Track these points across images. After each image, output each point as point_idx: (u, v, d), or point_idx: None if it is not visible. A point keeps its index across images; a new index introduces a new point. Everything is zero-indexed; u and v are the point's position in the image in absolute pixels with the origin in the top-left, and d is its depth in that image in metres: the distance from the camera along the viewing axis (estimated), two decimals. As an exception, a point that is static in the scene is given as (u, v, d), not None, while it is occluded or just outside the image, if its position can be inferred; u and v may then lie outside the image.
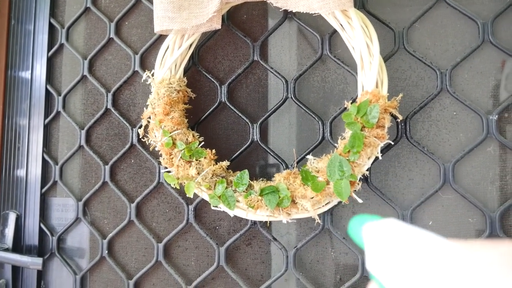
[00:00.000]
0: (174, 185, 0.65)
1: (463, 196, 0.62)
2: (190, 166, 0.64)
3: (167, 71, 0.67)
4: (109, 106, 0.79)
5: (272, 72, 0.71)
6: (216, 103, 0.72)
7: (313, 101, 0.70)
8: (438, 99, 0.64)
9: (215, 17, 0.64)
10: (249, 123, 0.71)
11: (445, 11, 0.65)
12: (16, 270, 0.83)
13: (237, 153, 0.70)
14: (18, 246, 0.83)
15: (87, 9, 0.83)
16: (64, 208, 0.83)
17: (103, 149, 0.80)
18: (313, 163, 0.61)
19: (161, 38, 0.75)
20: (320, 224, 0.66)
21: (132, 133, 0.77)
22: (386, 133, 0.58)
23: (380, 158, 0.59)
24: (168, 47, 0.67)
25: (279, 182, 0.61)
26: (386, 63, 0.64)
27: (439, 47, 0.65)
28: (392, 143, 0.63)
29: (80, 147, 0.81)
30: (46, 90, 0.84)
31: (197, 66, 0.74)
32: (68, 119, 0.82)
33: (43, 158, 0.83)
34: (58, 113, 0.83)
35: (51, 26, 0.85)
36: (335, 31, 0.66)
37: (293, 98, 0.69)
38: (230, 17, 0.73)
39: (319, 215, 0.61)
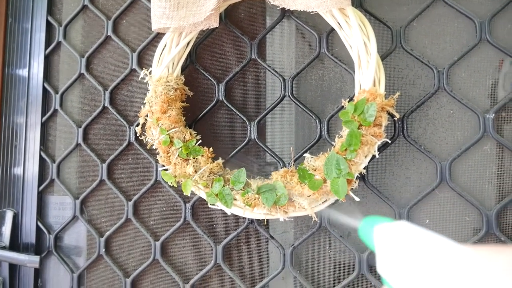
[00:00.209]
0: (172, 183, 0.65)
1: (460, 195, 0.62)
2: (187, 164, 0.64)
3: (164, 69, 0.67)
4: (107, 104, 0.79)
5: (269, 70, 0.71)
6: (214, 101, 0.72)
7: (311, 100, 0.70)
8: (435, 98, 0.64)
9: (212, 15, 0.64)
10: (247, 121, 0.71)
11: (442, 10, 0.65)
12: (13, 268, 0.82)
13: (234, 151, 0.70)
14: (15, 244, 0.83)
15: (84, 7, 0.83)
16: (61, 206, 0.82)
17: (101, 147, 0.80)
18: (310, 161, 0.61)
19: (159, 36, 0.75)
20: (317, 222, 0.66)
21: (130, 131, 0.77)
22: (383, 131, 0.58)
23: (377, 156, 0.59)
24: (165, 45, 0.67)
25: (276, 180, 0.61)
26: (384, 61, 0.64)
27: (437, 46, 0.65)
28: (389, 141, 0.63)
29: (78, 145, 0.81)
30: (44, 88, 0.84)
31: (195, 64, 0.74)
32: (66, 117, 0.82)
33: (40, 156, 0.83)
34: (55, 111, 0.83)
35: (48, 24, 0.85)
36: (332, 29, 0.66)
37: (291, 97, 0.69)
38: (228, 15, 0.73)
39: (316, 213, 0.61)
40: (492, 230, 0.60)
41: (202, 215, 0.73)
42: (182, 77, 0.69)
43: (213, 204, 0.64)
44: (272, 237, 0.68)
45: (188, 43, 0.69)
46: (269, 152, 0.69)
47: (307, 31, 0.70)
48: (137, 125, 0.71)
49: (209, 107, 0.72)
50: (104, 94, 0.79)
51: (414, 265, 0.24)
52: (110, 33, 0.80)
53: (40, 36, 0.85)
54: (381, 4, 0.67)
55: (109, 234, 0.78)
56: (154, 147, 0.67)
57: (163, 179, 0.67)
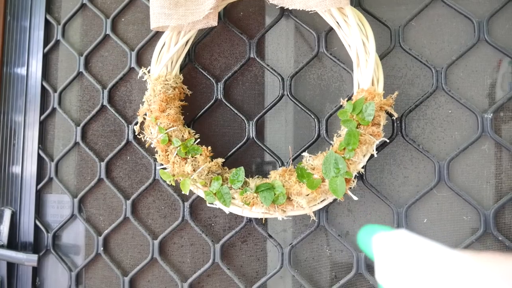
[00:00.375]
0: (170, 182, 0.65)
1: (458, 194, 0.62)
2: (185, 163, 0.64)
3: (163, 68, 0.67)
4: (105, 102, 0.79)
5: (268, 70, 0.71)
6: (212, 100, 0.72)
7: (309, 99, 0.70)
8: (433, 97, 0.65)
9: (211, 14, 0.64)
10: (245, 120, 0.71)
11: (441, 10, 0.65)
12: (11, 266, 0.82)
13: (233, 150, 0.71)
14: (13, 243, 0.83)
15: (83, 5, 0.83)
16: (59, 205, 0.82)
17: (99, 145, 0.80)
18: (308, 160, 0.61)
19: (158, 34, 0.75)
20: (316, 221, 0.66)
21: (128, 130, 0.77)
22: (381, 130, 0.58)
23: (376, 155, 0.59)
24: (164, 44, 0.67)
25: (274, 179, 0.61)
26: (382, 61, 0.64)
27: (435, 46, 0.65)
28: (388, 140, 0.63)
29: (76, 143, 0.81)
30: (42, 86, 0.83)
31: (194, 63, 0.74)
32: (64, 116, 0.81)
33: (38, 154, 0.83)
34: (53, 109, 0.83)
35: (47, 22, 0.85)
36: (331, 28, 0.66)
37: (289, 96, 0.69)
38: (227, 14, 0.73)
39: (314, 212, 0.61)
40: (489, 229, 0.60)
41: (201, 214, 0.73)
42: (181, 76, 0.69)
43: (212, 203, 0.64)
44: (270, 236, 0.68)
45: (187, 42, 0.69)
46: (268, 151, 0.69)
47: (306, 30, 0.70)
48: (136, 124, 0.71)
49: (207, 106, 0.72)
50: (103, 92, 0.79)
51: (413, 273, 0.24)
52: (108, 31, 0.80)
53: (38, 34, 0.85)
54: (380, 3, 0.67)
55: (107, 232, 0.78)
56: (152, 145, 0.67)
57: (161, 177, 0.67)
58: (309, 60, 0.69)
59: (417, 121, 0.65)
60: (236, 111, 0.71)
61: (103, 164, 0.78)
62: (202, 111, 0.72)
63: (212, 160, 0.65)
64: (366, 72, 0.59)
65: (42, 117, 0.83)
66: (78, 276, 0.80)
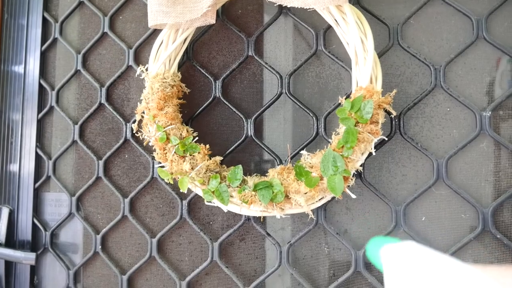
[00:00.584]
0: (168, 180, 0.65)
1: (456, 192, 0.62)
2: (184, 161, 0.63)
3: (161, 65, 0.67)
4: (103, 101, 0.78)
5: (266, 68, 0.71)
6: (210, 98, 0.72)
7: (308, 97, 0.70)
8: (432, 95, 0.64)
9: (209, 11, 0.64)
10: (243, 119, 0.71)
11: (439, 7, 0.65)
12: (9, 265, 0.82)
13: (231, 148, 0.70)
14: (11, 241, 0.82)
15: (80, 3, 0.82)
16: (57, 203, 0.82)
17: (97, 144, 0.80)
18: (307, 158, 0.61)
19: (155, 32, 0.75)
20: (314, 220, 0.66)
21: (126, 128, 0.77)
22: (379, 128, 0.58)
23: (374, 153, 0.59)
24: (162, 42, 0.67)
25: (273, 178, 0.61)
26: (381, 59, 0.64)
27: (434, 43, 0.65)
28: (386, 138, 0.63)
29: (74, 142, 0.80)
30: (40, 84, 0.83)
31: (192, 61, 0.73)
32: (62, 114, 0.81)
33: (36, 153, 0.83)
34: (51, 107, 0.83)
35: (44, 20, 0.85)
36: (329, 26, 0.66)
37: (288, 94, 0.69)
38: (225, 12, 0.73)
39: (312, 210, 0.61)
40: (488, 227, 0.60)
41: (199, 212, 0.73)
42: (179, 74, 0.69)
43: (210, 201, 0.64)
44: (268, 234, 0.68)
45: (185, 40, 0.69)
46: (266, 149, 0.69)
47: (304, 28, 0.70)
48: (134, 122, 0.71)
49: (206, 104, 0.72)
50: (101, 90, 0.79)
51: (423, 286, 0.24)
52: (106, 29, 0.80)
53: (36, 32, 0.85)
54: (378, 1, 0.67)
55: (106, 231, 0.77)
56: (150, 144, 0.67)
57: (159, 176, 0.67)
58: (308, 58, 0.69)
59: (416, 119, 0.65)
60: (234, 109, 0.71)
61: (101, 162, 0.78)
62: (200, 109, 0.72)
63: (210, 158, 0.65)
64: (365, 70, 0.58)
65: (40, 115, 0.83)
66: (76, 275, 0.79)
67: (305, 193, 0.58)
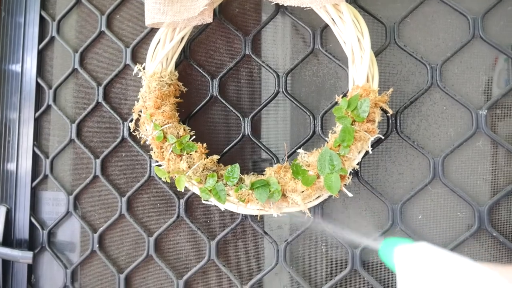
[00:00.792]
0: (165, 179, 0.65)
1: (453, 191, 0.62)
2: (181, 160, 0.64)
3: (158, 64, 0.67)
4: (100, 99, 0.78)
5: (263, 66, 0.71)
6: (208, 97, 0.72)
7: (305, 96, 0.70)
8: (428, 94, 0.65)
9: (206, 10, 0.64)
10: (241, 117, 0.71)
11: (436, 6, 0.65)
12: (6, 264, 0.82)
13: (228, 147, 0.70)
14: (8, 240, 0.82)
15: (78, 2, 0.82)
16: (54, 202, 0.82)
17: (94, 142, 0.80)
18: (304, 157, 0.61)
19: (153, 31, 0.75)
20: (311, 218, 0.66)
21: (123, 126, 0.77)
22: (376, 127, 0.58)
23: (371, 152, 0.59)
24: (159, 41, 0.67)
25: (269, 176, 0.61)
26: (377, 57, 0.64)
27: (430, 42, 0.65)
28: (383, 137, 0.63)
29: (71, 140, 0.80)
30: (37, 83, 0.83)
31: (189, 59, 0.73)
32: (59, 113, 0.81)
33: (33, 151, 0.83)
34: (48, 106, 0.83)
35: (42, 19, 0.84)
36: (326, 25, 0.66)
37: (285, 92, 0.69)
38: (222, 10, 0.73)
39: (309, 209, 0.61)
40: (484, 225, 0.60)
41: (196, 211, 0.73)
42: (176, 73, 0.69)
43: (207, 200, 0.64)
44: (265, 233, 0.69)
45: (182, 39, 0.69)
46: (263, 148, 0.69)
47: (301, 27, 0.70)
48: (131, 121, 0.71)
49: (203, 103, 0.72)
50: (98, 89, 0.79)
51: (436, 287, 0.24)
52: (103, 28, 0.79)
53: (33, 30, 0.85)
54: (375, 0, 0.67)
55: (103, 230, 0.77)
56: (147, 142, 0.67)
57: (156, 174, 0.67)
58: (305, 57, 0.69)
59: (412, 117, 0.65)
60: (231, 108, 0.71)
61: (98, 161, 0.78)
62: (198, 108, 0.72)
63: (207, 157, 0.65)
64: (361, 69, 0.59)
65: (37, 114, 0.83)
66: (74, 273, 0.79)
67: (302, 192, 0.58)
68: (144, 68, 0.68)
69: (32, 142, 0.83)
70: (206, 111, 0.73)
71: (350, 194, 0.58)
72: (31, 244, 0.82)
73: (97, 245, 0.77)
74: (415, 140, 0.64)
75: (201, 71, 0.73)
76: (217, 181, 0.62)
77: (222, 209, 0.64)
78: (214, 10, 0.71)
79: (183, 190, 0.64)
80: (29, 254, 0.78)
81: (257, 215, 0.67)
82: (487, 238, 0.61)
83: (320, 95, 0.69)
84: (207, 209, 0.73)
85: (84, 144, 0.80)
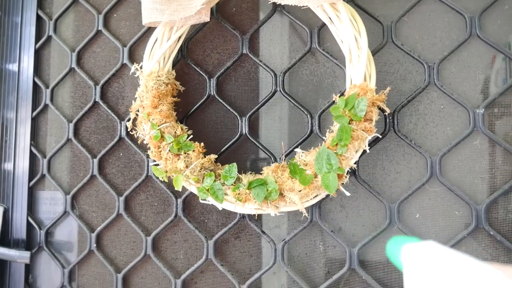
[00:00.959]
0: (163, 178, 0.65)
1: (450, 189, 0.62)
2: (178, 159, 0.63)
3: (155, 63, 0.67)
4: (98, 99, 0.78)
5: (261, 65, 0.71)
6: (205, 96, 0.72)
7: (302, 95, 0.70)
8: (425, 93, 0.65)
9: (203, 9, 0.63)
10: (238, 116, 0.71)
11: (433, 5, 0.65)
12: (4, 264, 0.82)
13: (226, 146, 0.70)
14: (6, 240, 0.82)
15: (75, 1, 0.82)
16: (52, 202, 0.82)
17: (91, 142, 0.80)
18: (301, 156, 0.61)
19: (150, 30, 0.75)
20: (308, 217, 0.66)
21: (121, 126, 0.77)
22: (373, 126, 0.58)
23: (368, 151, 0.59)
24: (156, 40, 0.67)
25: (267, 175, 0.61)
26: (374, 56, 0.64)
27: (427, 41, 0.65)
28: (380, 136, 0.63)
29: (68, 140, 0.80)
30: (34, 82, 0.83)
31: (186, 59, 0.73)
32: (56, 112, 0.81)
33: (30, 151, 0.82)
34: (46, 106, 0.82)
35: (38, 18, 0.84)
36: (324, 24, 0.66)
37: (282, 92, 0.69)
38: (219, 9, 0.73)
39: (307, 208, 0.61)
40: (481, 224, 0.61)
41: (194, 210, 0.73)
42: (173, 72, 0.69)
43: (204, 199, 0.64)
44: (263, 232, 0.68)
45: (179, 38, 0.69)
46: (261, 147, 0.69)
47: (298, 26, 0.70)
48: (128, 120, 0.71)
49: (200, 102, 0.72)
50: (95, 89, 0.79)
51: (444, 286, 0.24)
52: (101, 27, 0.79)
53: (30, 30, 0.84)
54: (372, -1, 0.67)
55: (100, 229, 0.77)
56: (145, 142, 0.67)
57: (154, 174, 0.67)
58: (302, 56, 0.69)
59: (409, 116, 0.65)
60: (229, 107, 0.71)
61: (95, 160, 0.78)
62: (195, 107, 0.72)
63: (205, 156, 0.65)
64: (359, 68, 0.58)
65: (34, 113, 0.83)
66: (71, 273, 0.79)
67: (300, 191, 0.58)
68: (141, 67, 0.68)
69: (29, 142, 0.83)
70: (204, 110, 0.73)
71: (347, 193, 0.58)
72: (28, 243, 0.82)
73: (95, 245, 0.77)
74: (413, 139, 0.64)
75: (199, 70, 0.73)
76: (215, 181, 0.62)
77: (220, 209, 0.64)
78: (211, 9, 0.71)
79: (180, 190, 0.64)
80: (27, 254, 0.78)
81: (255, 215, 0.67)
82: (484, 236, 0.62)
83: (318, 94, 0.69)
84: (204, 208, 0.73)
85: (82, 143, 0.79)
